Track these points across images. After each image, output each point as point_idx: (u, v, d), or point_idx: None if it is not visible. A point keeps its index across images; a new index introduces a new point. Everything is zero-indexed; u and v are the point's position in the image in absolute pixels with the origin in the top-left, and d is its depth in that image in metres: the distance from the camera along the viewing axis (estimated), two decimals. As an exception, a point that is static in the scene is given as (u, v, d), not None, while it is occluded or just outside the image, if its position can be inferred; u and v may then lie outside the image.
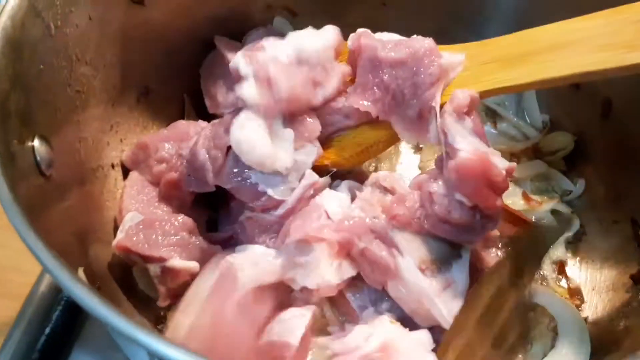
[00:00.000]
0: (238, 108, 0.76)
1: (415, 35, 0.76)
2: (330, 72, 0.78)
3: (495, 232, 0.79)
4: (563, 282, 0.91)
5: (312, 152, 0.78)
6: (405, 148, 1.07)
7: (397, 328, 0.70)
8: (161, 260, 0.74)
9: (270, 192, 0.76)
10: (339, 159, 0.83)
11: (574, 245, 0.95)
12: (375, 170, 1.01)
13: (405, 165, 1.05)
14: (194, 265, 0.75)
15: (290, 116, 0.76)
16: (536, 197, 0.99)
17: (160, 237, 0.75)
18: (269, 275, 0.74)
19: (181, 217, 0.79)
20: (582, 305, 0.88)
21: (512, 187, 0.95)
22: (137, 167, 0.87)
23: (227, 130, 0.75)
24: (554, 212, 0.97)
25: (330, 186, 0.82)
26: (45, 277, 0.89)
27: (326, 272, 0.72)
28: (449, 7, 1.05)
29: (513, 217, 0.89)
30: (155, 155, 0.84)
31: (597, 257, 0.92)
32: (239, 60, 0.75)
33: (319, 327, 0.75)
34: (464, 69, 0.76)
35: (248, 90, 0.73)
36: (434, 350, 0.68)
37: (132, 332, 0.48)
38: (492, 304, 0.72)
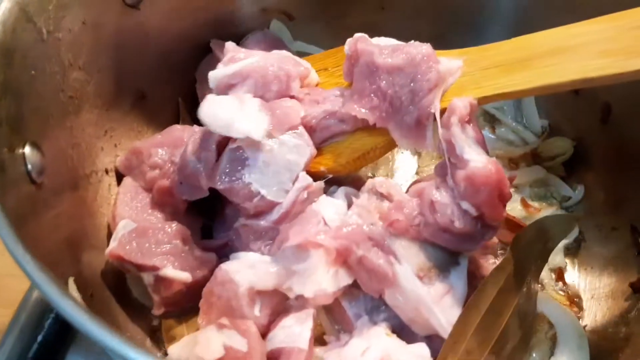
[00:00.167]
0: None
1: (412, 41, 0.76)
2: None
3: (494, 239, 0.79)
4: (561, 289, 0.91)
5: (304, 152, 0.78)
6: (402, 153, 1.06)
7: (394, 341, 0.69)
8: (154, 269, 0.73)
9: (263, 192, 0.75)
10: (335, 165, 0.82)
11: (573, 251, 0.94)
12: (373, 175, 1.01)
13: (403, 171, 1.04)
14: (186, 276, 0.74)
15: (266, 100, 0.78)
16: (535, 203, 0.98)
17: (153, 246, 0.74)
18: (265, 281, 0.73)
19: (175, 225, 0.78)
20: (581, 313, 0.87)
21: (510, 193, 0.94)
22: (131, 173, 0.86)
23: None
24: (553, 218, 0.96)
25: (327, 192, 0.82)
26: (38, 284, 0.88)
27: (323, 279, 0.72)
28: (448, 11, 1.05)
29: (511, 224, 0.88)
30: (148, 161, 0.83)
31: (596, 264, 0.91)
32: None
33: (314, 336, 0.74)
34: (462, 74, 0.75)
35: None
36: (433, 360, 0.67)
37: (122, 349, 0.47)
38: (492, 309, 0.72)
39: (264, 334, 0.73)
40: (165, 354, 0.73)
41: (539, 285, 0.86)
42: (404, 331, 0.73)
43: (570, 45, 0.70)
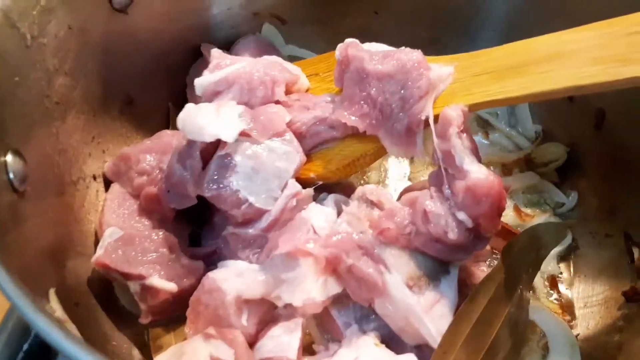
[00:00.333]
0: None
1: (403, 47, 0.75)
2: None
3: (486, 247, 0.78)
4: (554, 297, 0.90)
5: (294, 159, 0.77)
6: (395, 159, 1.05)
7: (383, 351, 0.69)
8: (140, 277, 0.72)
9: (251, 199, 0.75)
10: (325, 172, 0.81)
11: (566, 259, 0.94)
12: (366, 181, 1.00)
13: (395, 176, 1.03)
14: (171, 286, 0.73)
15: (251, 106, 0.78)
16: (528, 210, 0.97)
17: (139, 254, 0.73)
18: (253, 290, 0.72)
19: (162, 233, 0.77)
20: (574, 321, 0.87)
21: (503, 199, 0.94)
22: (119, 179, 0.85)
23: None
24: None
25: (317, 199, 0.81)
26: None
27: (312, 288, 0.71)
28: (441, 16, 1.04)
29: (503, 231, 0.87)
30: (136, 167, 0.82)
31: (589, 272, 0.90)
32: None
33: (303, 345, 0.73)
34: (454, 80, 0.75)
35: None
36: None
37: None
38: (483, 319, 0.71)
39: (251, 344, 0.72)
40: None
41: (532, 293, 0.85)
42: (393, 341, 0.73)
43: (563, 52, 0.69)
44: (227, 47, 1.01)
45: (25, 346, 0.81)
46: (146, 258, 0.74)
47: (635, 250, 0.84)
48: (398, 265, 0.71)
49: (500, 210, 0.68)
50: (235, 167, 0.74)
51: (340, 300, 0.75)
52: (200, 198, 0.78)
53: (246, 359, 0.68)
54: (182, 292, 0.75)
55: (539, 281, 0.90)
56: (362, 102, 0.75)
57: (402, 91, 0.72)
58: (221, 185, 0.75)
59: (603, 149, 0.93)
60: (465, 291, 0.74)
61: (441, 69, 0.73)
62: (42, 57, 0.71)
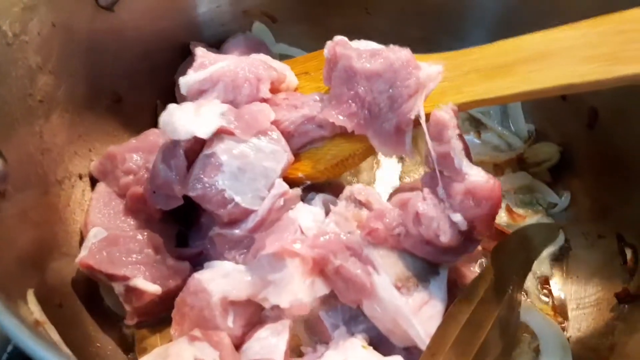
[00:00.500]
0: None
1: (392, 45, 0.74)
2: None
3: (478, 247, 0.77)
4: (546, 298, 0.89)
5: (281, 158, 0.76)
6: (386, 158, 1.03)
7: (370, 353, 0.68)
8: (124, 279, 0.71)
9: (237, 199, 0.74)
10: (313, 172, 0.80)
11: (558, 260, 0.93)
12: (355, 181, 0.99)
13: (386, 176, 1.02)
14: (155, 288, 0.72)
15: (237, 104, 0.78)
16: (520, 210, 0.96)
17: (124, 255, 0.73)
18: (239, 291, 0.71)
19: (147, 233, 0.76)
20: (566, 323, 0.86)
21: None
22: (105, 178, 0.84)
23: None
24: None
25: (305, 199, 0.80)
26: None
27: (299, 289, 0.70)
28: (432, 14, 1.03)
29: (495, 231, 0.86)
30: (122, 167, 0.81)
31: (581, 273, 0.89)
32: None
33: (290, 347, 0.72)
34: (443, 79, 0.74)
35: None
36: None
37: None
38: (472, 320, 0.70)
39: (238, 346, 0.71)
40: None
41: (523, 295, 0.84)
42: (382, 342, 0.72)
43: (553, 51, 0.68)
44: (217, 45, 1.00)
45: (10, 347, 0.80)
46: (131, 259, 0.73)
47: (628, 252, 0.83)
48: (386, 266, 0.70)
49: (496, 213, 0.68)
50: (221, 166, 0.73)
51: (328, 301, 0.74)
52: (187, 198, 0.77)
53: (232, 361, 0.67)
54: (167, 293, 0.74)
55: (531, 282, 0.89)
56: (350, 101, 0.74)
57: (391, 90, 0.71)
58: (206, 185, 0.74)
59: (596, 149, 0.92)
60: (456, 292, 0.73)
61: (430, 68, 0.73)
62: (24, 55, 0.71)
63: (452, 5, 1.01)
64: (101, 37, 0.83)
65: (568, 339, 0.82)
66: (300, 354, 0.74)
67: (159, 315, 0.77)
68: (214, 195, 0.74)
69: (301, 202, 0.78)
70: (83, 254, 0.73)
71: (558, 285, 0.90)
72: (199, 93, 0.76)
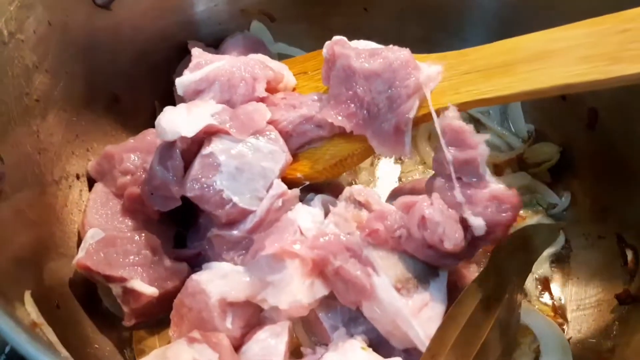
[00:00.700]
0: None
1: (391, 45, 0.74)
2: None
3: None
4: (547, 299, 0.89)
5: (280, 159, 0.76)
6: (385, 159, 1.03)
7: (370, 355, 0.67)
8: (122, 280, 0.71)
9: (235, 199, 0.73)
10: (312, 172, 0.80)
11: (558, 261, 0.92)
12: (355, 181, 0.98)
13: (385, 176, 1.01)
14: (152, 290, 0.72)
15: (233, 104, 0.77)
16: (520, 211, 0.96)
17: (121, 256, 0.72)
18: (237, 292, 0.71)
19: (144, 234, 0.75)
20: (566, 324, 0.85)
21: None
22: (103, 179, 0.83)
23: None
24: (538, 226, 0.94)
25: (304, 200, 0.80)
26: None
27: (298, 290, 0.70)
28: (431, 13, 1.02)
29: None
30: (120, 167, 0.81)
31: (582, 274, 0.89)
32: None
33: (290, 349, 0.72)
34: (443, 79, 0.73)
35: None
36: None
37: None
38: (472, 322, 0.70)
39: (237, 347, 0.71)
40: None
41: (523, 296, 0.84)
42: (381, 344, 0.71)
43: (552, 50, 0.68)
44: (215, 44, 0.99)
45: (7, 349, 0.80)
46: (128, 260, 0.72)
47: (629, 253, 0.82)
48: (386, 268, 0.70)
49: (515, 220, 0.69)
50: (219, 167, 0.73)
51: (327, 302, 0.73)
52: (185, 199, 0.77)
53: (231, 363, 0.67)
54: (165, 294, 0.74)
55: (531, 283, 0.89)
56: (349, 101, 0.73)
57: (390, 90, 0.71)
58: (204, 185, 0.73)
59: (596, 149, 0.92)
60: (456, 294, 0.72)
61: (430, 68, 0.72)
62: (20, 53, 0.70)
63: (452, 5, 1.01)
64: (98, 35, 0.83)
65: (568, 340, 0.81)
66: (300, 356, 0.74)
67: (157, 316, 0.76)
68: (211, 195, 0.73)
69: (300, 203, 0.78)
70: (80, 255, 0.73)
71: (558, 287, 0.90)
72: (195, 93, 0.76)
